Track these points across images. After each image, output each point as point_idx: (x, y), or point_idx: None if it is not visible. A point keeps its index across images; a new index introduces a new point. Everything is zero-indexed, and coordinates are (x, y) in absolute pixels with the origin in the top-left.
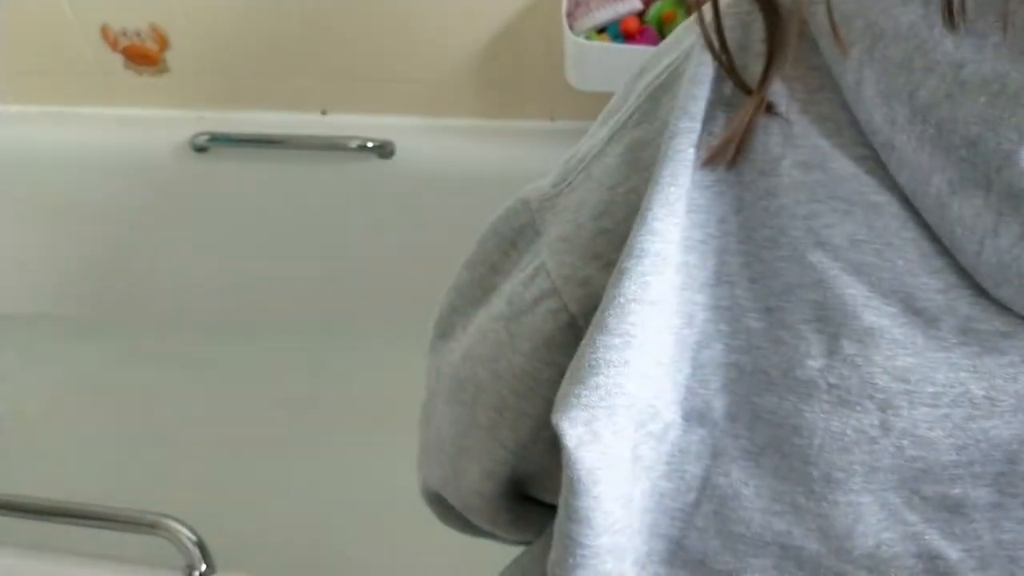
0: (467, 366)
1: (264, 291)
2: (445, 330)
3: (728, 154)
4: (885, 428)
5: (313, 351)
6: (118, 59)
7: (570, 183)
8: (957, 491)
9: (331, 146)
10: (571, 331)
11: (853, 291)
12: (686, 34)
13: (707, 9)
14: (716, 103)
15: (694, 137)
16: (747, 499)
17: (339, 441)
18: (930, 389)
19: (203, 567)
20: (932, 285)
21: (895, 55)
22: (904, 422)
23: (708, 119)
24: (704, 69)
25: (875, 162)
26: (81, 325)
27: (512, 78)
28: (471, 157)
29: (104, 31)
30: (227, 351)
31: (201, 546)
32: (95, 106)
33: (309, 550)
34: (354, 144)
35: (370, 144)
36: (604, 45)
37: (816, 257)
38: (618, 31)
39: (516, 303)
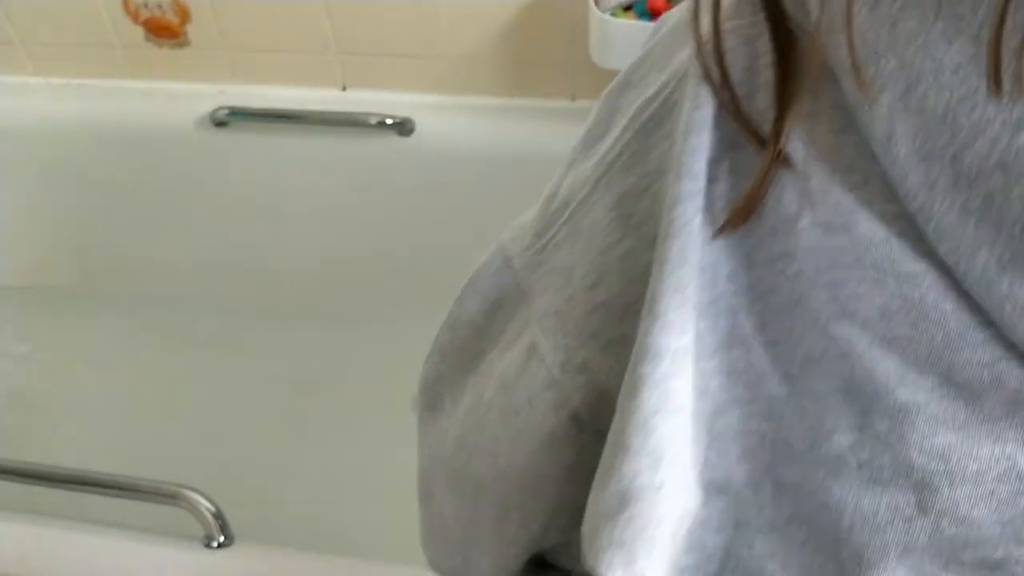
0: (462, 458)
1: (281, 267)
2: (432, 401)
3: (747, 215)
4: (922, 508)
5: (328, 328)
6: (139, 32)
7: (554, 236)
8: (999, 554)
9: (350, 122)
10: (575, 424)
11: (885, 365)
12: (675, 42)
13: (704, 16)
14: (720, 143)
15: (699, 200)
16: (773, 573)
17: (354, 419)
18: (973, 467)
19: (221, 538)
20: (976, 358)
21: (936, 106)
22: (943, 502)
23: (713, 163)
24: (703, 112)
25: (908, 222)
26: (97, 299)
27: (534, 56)
28: (491, 135)
29: (126, 3)
30: (243, 327)
31: (220, 517)
32: (115, 79)
33: (323, 525)
34: (373, 121)
35: (389, 121)
36: (630, 23)
37: (841, 329)
38: (644, 9)
39: (510, 391)
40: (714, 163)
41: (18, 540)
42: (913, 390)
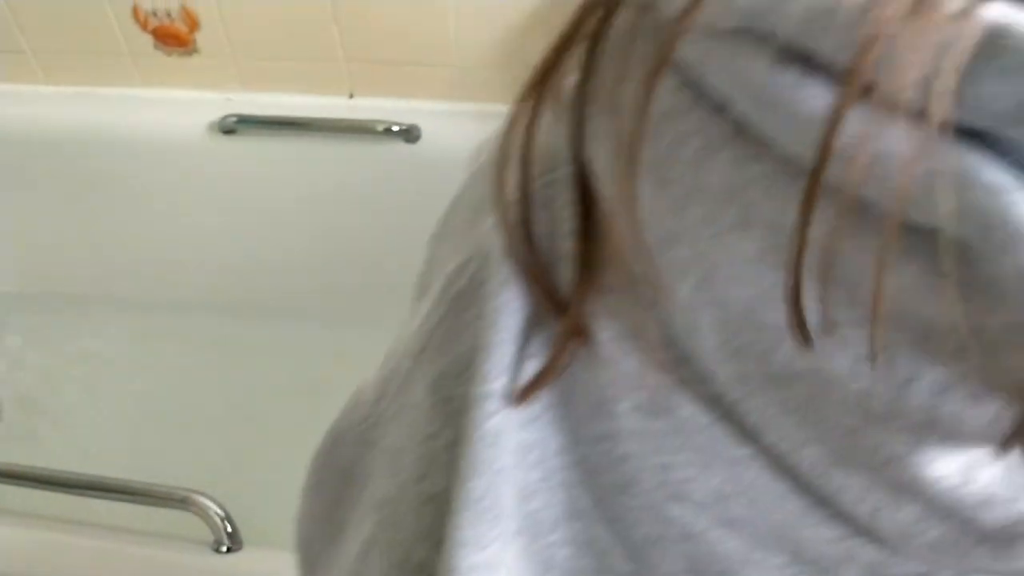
0: None
1: (288, 273)
2: (308, 563)
3: (539, 391)
4: None
5: (336, 332)
6: (148, 40)
7: (387, 409)
8: None
9: (357, 129)
10: None
11: (729, 545)
12: (483, 194)
13: (511, 174)
14: (531, 320)
15: (496, 402)
16: None
17: None
18: None
19: (230, 543)
20: (823, 535)
21: (737, 300)
22: None
23: (524, 338)
24: (506, 295)
25: (731, 406)
26: (107, 305)
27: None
28: None
29: (135, 11)
30: (250, 333)
31: (229, 521)
32: (125, 87)
33: None
34: (380, 128)
35: (396, 128)
36: None
37: (676, 511)
38: None
39: None
40: (526, 339)
41: (27, 545)
42: (761, 569)
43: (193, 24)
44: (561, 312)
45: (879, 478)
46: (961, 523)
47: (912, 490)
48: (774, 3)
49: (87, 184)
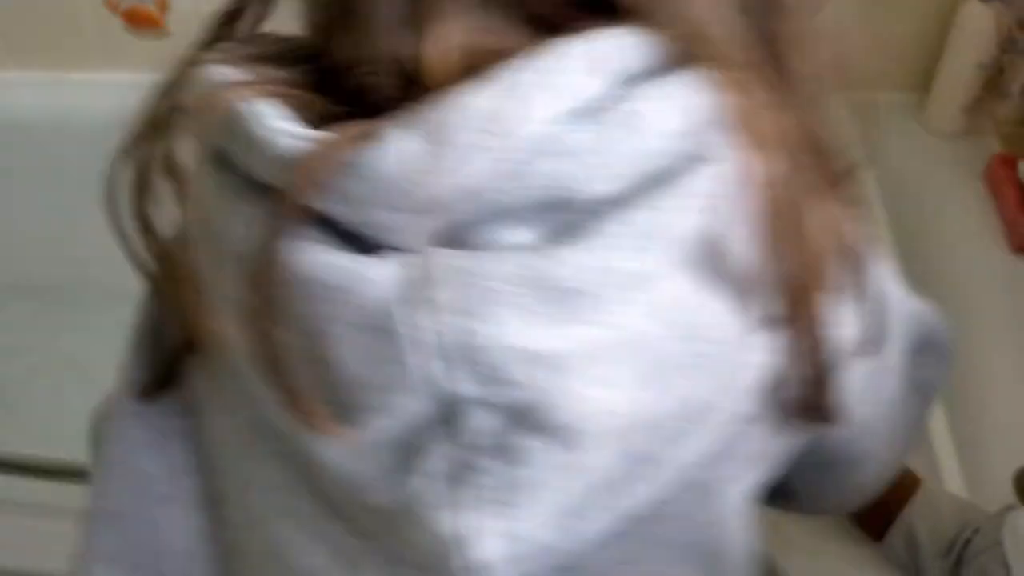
0: None
1: None
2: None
3: (160, 389)
4: None
5: None
6: (118, 22)
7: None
8: None
9: None
10: None
11: (287, 535)
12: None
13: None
14: (161, 337)
15: (132, 391)
16: None
17: None
18: None
19: None
20: (340, 527)
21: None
22: None
23: (157, 350)
24: (149, 310)
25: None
26: (84, 295)
27: None
28: None
29: None
30: None
31: None
32: (95, 71)
33: None
34: None
35: None
36: None
37: (247, 498)
38: None
39: None
40: (159, 348)
41: (11, 533)
42: (308, 554)
43: (164, 5)
44: (180, 330)
45: (295, 459)
46: (360, 505)
47: (316, 472)
48: None
49: (58, 171)
